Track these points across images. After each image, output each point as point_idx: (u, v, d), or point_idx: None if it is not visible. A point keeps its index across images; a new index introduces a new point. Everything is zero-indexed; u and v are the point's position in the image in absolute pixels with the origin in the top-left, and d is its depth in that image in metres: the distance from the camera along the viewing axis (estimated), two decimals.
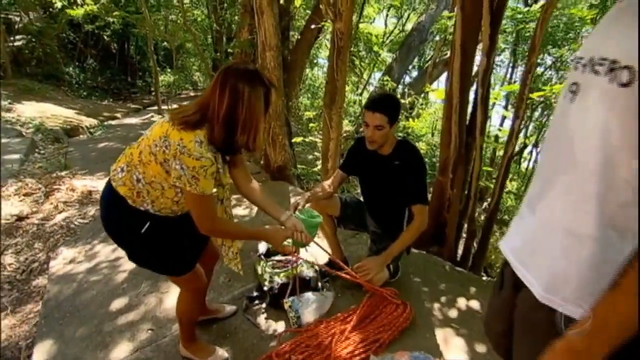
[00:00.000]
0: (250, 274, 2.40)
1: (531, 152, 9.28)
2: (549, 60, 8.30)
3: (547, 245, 0.79)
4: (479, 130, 2.47)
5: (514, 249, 0.90)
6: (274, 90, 1.45)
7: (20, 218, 3.60)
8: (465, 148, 2.56)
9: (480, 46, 2.64)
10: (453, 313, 2.06)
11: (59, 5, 7.81)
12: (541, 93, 2.94)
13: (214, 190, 1.53)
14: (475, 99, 2.51)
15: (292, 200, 3.58)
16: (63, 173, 4.53)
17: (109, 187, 1.46)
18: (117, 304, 2.29)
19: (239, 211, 3.42)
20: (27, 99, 8.17)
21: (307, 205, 1.97)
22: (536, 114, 8.67)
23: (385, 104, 1.85)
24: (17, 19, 10.26)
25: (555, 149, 0.81)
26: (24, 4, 9.37)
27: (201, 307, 1.98)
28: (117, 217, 1.46)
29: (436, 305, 2.11)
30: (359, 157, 2.09)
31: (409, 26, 11.52)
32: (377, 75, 8.73)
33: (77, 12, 7.68)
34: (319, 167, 5.40)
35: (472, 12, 2.34)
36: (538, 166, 0.90)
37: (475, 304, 2.13)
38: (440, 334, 1.93)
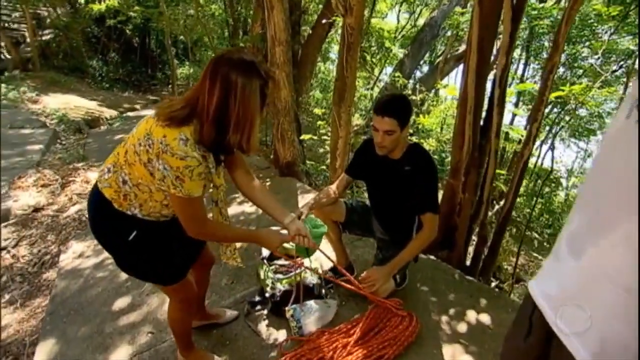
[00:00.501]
0: (252, 276, 2.25)
1: (539, 148, 8.80)
2: (562, 57, 7.81)
3: (597, 302, 0.60)
4: (494, 133, 2.24)
5: (549, 296, 0.71)
6: (274, 83, 1.24)
7: (36, 209, 3.52)
8: (479, 150, 2.33)
9: (497, 44, 2.40)
10: (462, 327, 1.87)
11: (82, 0, 7.72)
12: (559, 93, 2.66)
13: (210, 190, 1.35)
14: (491, 99, 2.27)
15: (299, 202, 3.41)
16: (80, 164, 4.45)
17: (95, 190, 1.30)
18: (120, 302, 2.17)
19: (246, 208, 3.26)
20: (53, 90, 8.16)
21: (311, 214, 1.78)
22: (546, 110, 8.23)
23: (394, 107, 1.64)
24: (46, 14, 10.25)
25: (612, 181, 0.60)
26: (52, 0, 9.30)
27: (196, 314, 1.84)
28: (103, 222, 1.30)
29: (444, 318, 1.93)
30: (367, 160, 1.89)
31: (420, 21, 11.09)
32: (389, 69, 8.39)
33: (100, 7, 7.58)
34: (328, 161, 5.22)
35: (490, 8, 2.09)
36: (583, 198, 0.70)
37: (485, 318, 1.93)
38: (448, 350, 1.74)
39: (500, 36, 2.17)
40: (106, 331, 1.96)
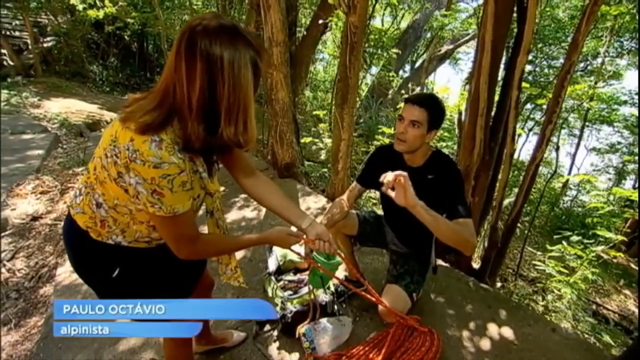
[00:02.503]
0: (259, 292, 1.95)
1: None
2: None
3: None
4: (510, 137, 1.96)
5: None
6: (267, 54, 0.89)
7: (35, 218, 3.15)
8: (489, 154, 2.06)
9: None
10: (485, 344, 1.61)
11: (80, 7, 7.26)
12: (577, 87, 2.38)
13: (204, 202, 1.00)
14: (503, 101, 1.99)
15: (301, 204, 3.10)
16: (79, 169, 4.06)
17: (68, 217, 0.97)
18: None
19: (246, 213, 2.94)
20: (55, 95, 7.68)
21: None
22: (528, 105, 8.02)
23: (429, 101, 1.37)
24: (47, 21, 9.70)
25: None
26: (52, 8, 8.81)
27: (200, 339, 1.55)
28: (82, 257, 0.98)
29: (465, 333, 1.66)
30: (383, 167, 1.57)
31: (403, 24, 10.79)
32: (373, 69, 8.07)
33: (97, 13, 7.12)
34: (323, 158, 4.91)
35: (505, 4, 1.79)
36: None
37: (508, 332, 1.67)
38: None
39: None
40: (104, 358, 1.65)
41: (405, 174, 1.15)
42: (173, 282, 1.08)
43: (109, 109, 7.79)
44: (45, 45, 9.54)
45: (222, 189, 2.99)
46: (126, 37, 10.18)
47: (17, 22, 9.38)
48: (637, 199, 2.70)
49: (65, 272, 2.37)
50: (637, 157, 7.85)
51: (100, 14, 7.19)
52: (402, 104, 1.44)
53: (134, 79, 10.38)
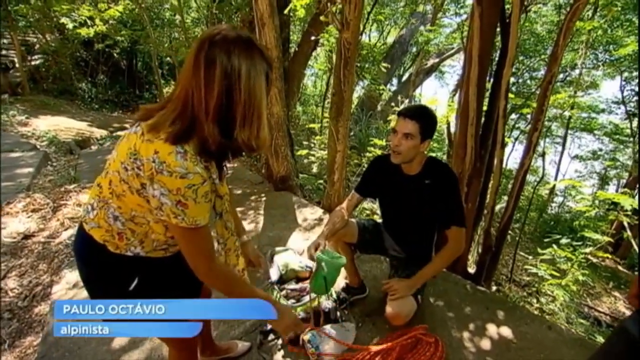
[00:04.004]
0: None
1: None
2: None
3: None
4: (499, 144, 2.07)
5: None
6: (274, 65, 0.96)
7: (26, 236, 3.09)
8: (480, 161, 2.15)
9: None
10: (486, 344, 1.66)
11: (70, 26, 7.29)
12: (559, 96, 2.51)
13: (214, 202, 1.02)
14: (491, 111, 2.10)
15: (297, 216, 3.13)
16: (71, 186, 4.02)
17: (81, 233, 0.98)
18: (121, 339, 1.83)
19: (244, 226, 2.95)
20: (43, 113, 7.61)
21: (329, 244, 1.54)
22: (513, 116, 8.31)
23: (420, 113, 1.45)
24: (35, 40, 9.68)
25: None
26: (41, 27, 8.82)
27: (205, 350, 1.55)
28: (98, 271, 0.98)
29: (466, 335, 1.71)
30: (381, 177, 1.66)
31: (389, 39, 11.14)
32: (362, 83, 8.29)
33: (88, 32, 7.16)
34: (315, 171, 4.98)
35: (489, 20, 1.92)
36: None
37: (507, 332, 1.73)
38: None
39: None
40: None
41: (390, 284, 1.58)
42: (184, 288, 1.09)
43: (99, 126, 7.75)
44: (33, 63, 9.49)
45: None
46: (115, 54, 10.21)
47: (5, 40, 9.33)
48: (620, 202, 2.83)
49: (62, 290, 2.34)
50: (618, 163, 8.17)
51: (91, 32, 7.23)
52: (392, 116, 1.53)
53: (123, 96, 10.37)
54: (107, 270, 0.98)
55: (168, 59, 10.31)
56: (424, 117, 1.43)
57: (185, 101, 0.82)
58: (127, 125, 8.48)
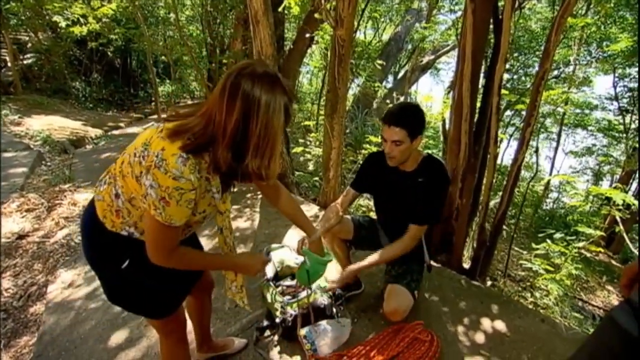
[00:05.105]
0: (257, 298, 1.97)
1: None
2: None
3: None
4: (493, 140, 2.08)
5: None
6: (296, 102, 1.00)
7: (21, 236, 3.07)
8: (474, 156, 2.17)
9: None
10: (480, 337, 1.68)
11: (63, 24, 7.21)
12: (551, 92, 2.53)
13: (214, 216, 1.09)
14: (485, 107, 2.12)
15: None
16: (66, 186, 3.99)
17: (89, 208, 1.05)
18: (117, 337, 1.84)
19: (240, 224, 2.97)
20: (36, 112, 7.51)
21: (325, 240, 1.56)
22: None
23: (404, 117, 1.44)
24: (27, 38, 9.55)
25: None
26: (33, 25, 8.69)
27: (202, 346, 1.57)
28: (96, 246, 1.05)
29: (460, 329, 1.73)
30: (376, 173, 1.66)
31: (385, 37, 11.13)
32: (357, 81, 8.30)
33: (81, 30, 7.07)
34: (311, 169, 4.99)
35: (482, 17, 1.93)
36: None
37: (501, 326, 1.75)
38: None
39: None
40: None
41: (334, 285, 1.71)
42: (175, 280, 1.12)
43: (93, 125, 7.68)
44: (25, 62, 9.38)
45: None
46: (109, 53, 10.10)
47: None
48: (613, 196, 2.87)
49: (57, 289, 2.34)
50: (611, 159, 8.24)
51: (84, 30, 7.16)
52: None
53: (118, 95, 10.27)
54: (104, 246, 1.03)
55: (163, 57, 10.25)
56: (408, 122, 1.42)
57: (208, 121, 0.88)
58: (121, 124, 8.41)
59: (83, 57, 9.84)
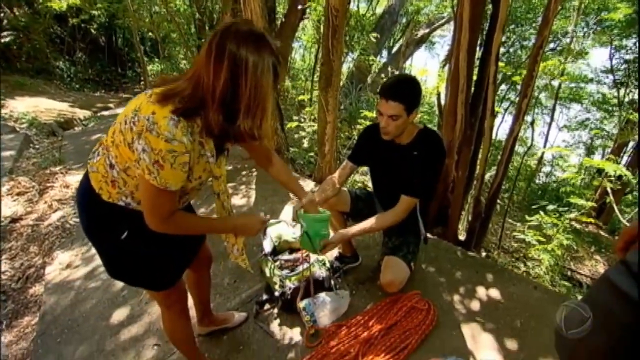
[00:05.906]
0: (255, 273, 1.99)
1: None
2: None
3: None
4: (489, 111, 2.07)
5: None
6: (284, 60, 0.97)
7: (14, 219, 3.05)
8: (471, 128, 2.16)
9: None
10: (475, 305, 1.73)
11: None
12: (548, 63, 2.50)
13: (210, 182, 1.09)
14: (481, 79, 2.09)
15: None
16: (57, 168, 3.93)
17: (83, 181, 1.04)
18: (119, 314, 1.86)
19: (236, 200, 2.96)
20: (19, 94, 7.25)
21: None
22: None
23: (401, 91, 1.41)
24: (2, 15, 9.04)
25: None
26: (8, 0, 8.22)
27: (202, 320, 1.60)
28: (93, 218, 1.05)
29: (456, 298, 1.78)
30: (372, 146, 1.65)
31: (378, 10, 10.80)
32: (352, 55, 8.11)
33: (60, 5, 6.73)
34: (306, 146, 4.95)
35: None
36: None
37: (495, 293, 1.80)
38: (467, 330, 1.60)
39: None
40: (107, 348, 1.67)
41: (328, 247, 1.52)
42: (175, 251, 1.13)
43: (81, 106, 7.47)
44: (2, 40, 8.96)
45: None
46: (93, 30, 9.67)
47: None
48: (605, 168, 2.91)
49: (55, 271, 2.34)
50: (603, 132, 8.30)
51: (64, 5, 6.83)
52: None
53: (105, 75, 9.92)
54: (101, 218, 1.02)
55: (150, 34, 9.86)
56: (405, 97, 1.39)
57: (196, 84, 0.86)
58: (111, 105, 8.19)
59: (65, 34, 9.40)
